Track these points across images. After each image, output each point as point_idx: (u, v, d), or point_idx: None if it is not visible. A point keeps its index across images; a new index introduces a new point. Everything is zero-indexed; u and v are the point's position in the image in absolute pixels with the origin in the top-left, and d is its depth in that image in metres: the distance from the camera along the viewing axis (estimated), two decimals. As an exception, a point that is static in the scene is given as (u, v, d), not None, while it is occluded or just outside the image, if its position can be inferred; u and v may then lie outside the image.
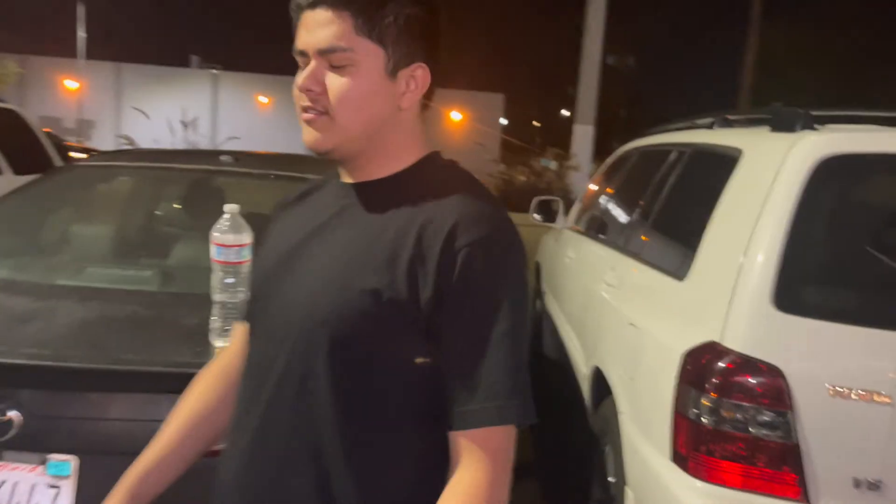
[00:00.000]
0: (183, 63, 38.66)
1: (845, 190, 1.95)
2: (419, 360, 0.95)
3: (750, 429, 1.76)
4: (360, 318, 0.94)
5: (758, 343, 1.79)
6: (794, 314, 1.79)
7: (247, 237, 1.70)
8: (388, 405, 0.96)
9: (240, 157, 2.86)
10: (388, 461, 0.97)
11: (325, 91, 0.98)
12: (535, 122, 44.36)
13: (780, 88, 22.22)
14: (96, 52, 35.07)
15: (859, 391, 1.72)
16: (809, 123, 2.04)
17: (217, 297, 1.71)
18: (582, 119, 9.22)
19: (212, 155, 2.94)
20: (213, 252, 1.68)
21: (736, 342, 1.81)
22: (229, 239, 1.67)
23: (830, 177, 1.88)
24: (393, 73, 1.00)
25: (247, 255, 1.71)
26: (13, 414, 1.57)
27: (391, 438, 0.97)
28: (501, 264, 0.95)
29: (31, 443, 1.59)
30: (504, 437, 0.94)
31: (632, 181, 3.39)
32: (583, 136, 9.09)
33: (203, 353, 1.71)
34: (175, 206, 2.83)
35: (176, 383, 1.61)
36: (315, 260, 1.02)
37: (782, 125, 2.11)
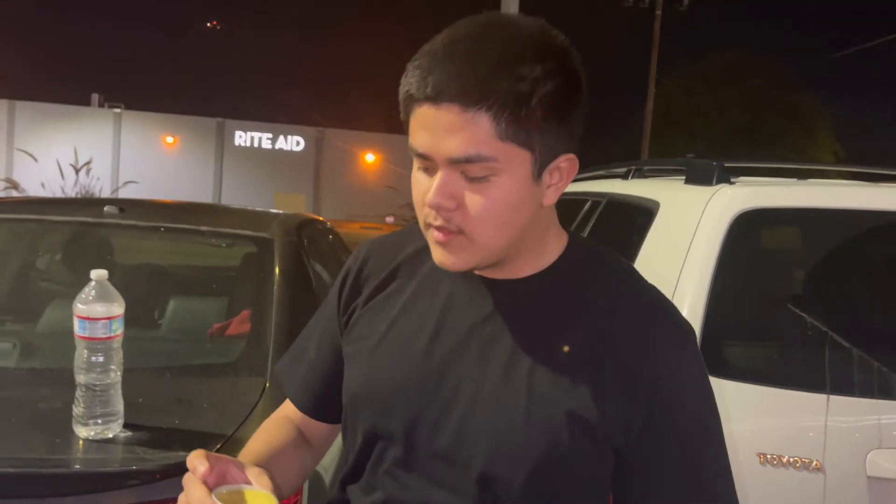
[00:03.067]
0: (84, 102, 37.06)
1: (765, 244, 1.92)
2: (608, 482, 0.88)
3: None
4: (568, 455, 0.83)
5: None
6: (718, 377, 1.70)
7: (118, 308, 1.46)
8: None
9: (126, 207, 2.60)
10: None
11: (460, 207, 0.81)
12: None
13: (676, 133, 23.71)
14: (-14, 89, 33.17)
15: (789, 457, 1.64)
16: (725, 176, 2.00)
17: (81, 378, 1.47)
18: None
19: (95, 205, 2.66)
20: (77, 326, 1.44)
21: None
22: (96, 311, 1.44)
23: (749, 231, 1.84)
24: (539, 174, 0.83)
25: (118, 329, 1.47)
26: None
27: None
28: (705, 381, 0.89)
29: None
30: None
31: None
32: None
33: (62, 446, 1.44)
34: (41, 265, 2.51)
35: (18, 487, 1.33)
36: (480, 382, 0.86)
37: (697, 178, 2.07)
